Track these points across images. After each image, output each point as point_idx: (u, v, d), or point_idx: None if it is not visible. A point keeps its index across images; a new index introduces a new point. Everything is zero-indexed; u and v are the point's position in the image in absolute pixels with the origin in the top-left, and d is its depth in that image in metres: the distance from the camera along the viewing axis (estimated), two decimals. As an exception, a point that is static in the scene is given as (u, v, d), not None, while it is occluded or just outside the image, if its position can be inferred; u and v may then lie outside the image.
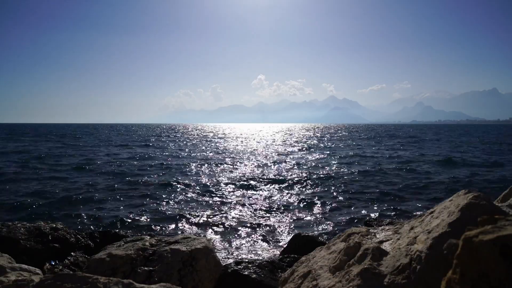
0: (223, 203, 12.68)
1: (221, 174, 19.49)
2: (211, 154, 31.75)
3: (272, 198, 13.49)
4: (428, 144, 44.03)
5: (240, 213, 11.31)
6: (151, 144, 43.84)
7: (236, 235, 9.30)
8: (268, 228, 9.90)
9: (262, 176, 18.67)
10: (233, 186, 15.74)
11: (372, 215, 10.76)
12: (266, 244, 8.70)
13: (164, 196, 13.86)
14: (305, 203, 12.60)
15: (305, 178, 17.63)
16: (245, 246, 8.56)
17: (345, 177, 18.00)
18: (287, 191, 14.62)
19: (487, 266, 1.11)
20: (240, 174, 19.32)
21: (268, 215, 11.15)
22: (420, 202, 12.73)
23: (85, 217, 10.77)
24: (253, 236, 9.27)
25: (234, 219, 10.69)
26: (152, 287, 2.58)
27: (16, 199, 12.82)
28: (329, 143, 46.80)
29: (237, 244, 8.67)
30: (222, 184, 16.25)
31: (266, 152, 33.36)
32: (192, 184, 16.34)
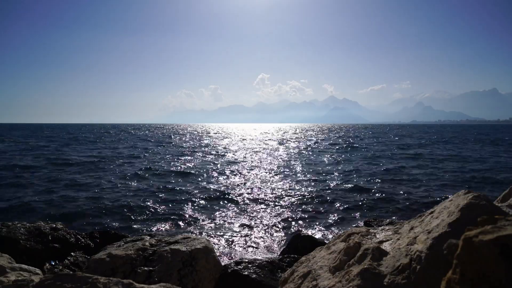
0: (223, 204, 12.68)
1: (221, 174, 19.50)
2: (212, 155, 31.73)
3: (272, 198, 13.48)
4: (432, 145, 43.98)
5: (240, 214, 11.32)
6: (152, 144, 43.90)
7: (236, 235, 9.30)
8: (268, 228, 9.90)
9: (262, 177, 18.67)
10: (234, 187, 15.74)
11: (372, 215, 10.76)
12: (266, 244, 8.70)
13: (164, 196, 13.86)
14: (305, 204, 12.60)
15: (305, 179, 17.63)
16: (245, 246, 8.56)
17: (346, 178, 17.99)
18: (287, 192, 14.61)
19: (487, 266, 1.11)
20: (240, 175, 19.33)
21: (268, 215, 11.16)
22: (420, 202, 12.72)
23: (84, 217, 10.77)
24: (253, 236, 9.27)
25: (234, 219, 10.69)
26: (152, 287, 2.58)
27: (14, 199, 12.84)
28: (329, 144, 46.77)
29: (237, 244, 8.67)
30: (222, 185, 16.26)
31: (267, 153, 33.35)
32: (192, 184, 16.35)
